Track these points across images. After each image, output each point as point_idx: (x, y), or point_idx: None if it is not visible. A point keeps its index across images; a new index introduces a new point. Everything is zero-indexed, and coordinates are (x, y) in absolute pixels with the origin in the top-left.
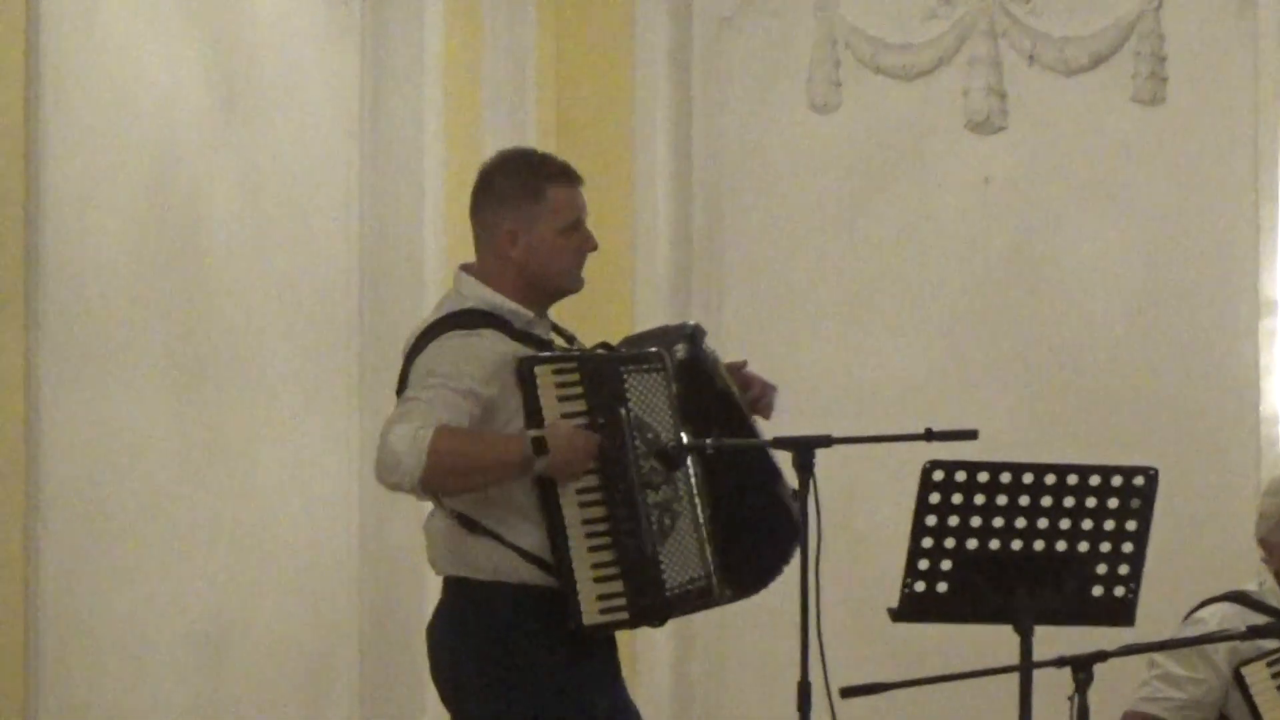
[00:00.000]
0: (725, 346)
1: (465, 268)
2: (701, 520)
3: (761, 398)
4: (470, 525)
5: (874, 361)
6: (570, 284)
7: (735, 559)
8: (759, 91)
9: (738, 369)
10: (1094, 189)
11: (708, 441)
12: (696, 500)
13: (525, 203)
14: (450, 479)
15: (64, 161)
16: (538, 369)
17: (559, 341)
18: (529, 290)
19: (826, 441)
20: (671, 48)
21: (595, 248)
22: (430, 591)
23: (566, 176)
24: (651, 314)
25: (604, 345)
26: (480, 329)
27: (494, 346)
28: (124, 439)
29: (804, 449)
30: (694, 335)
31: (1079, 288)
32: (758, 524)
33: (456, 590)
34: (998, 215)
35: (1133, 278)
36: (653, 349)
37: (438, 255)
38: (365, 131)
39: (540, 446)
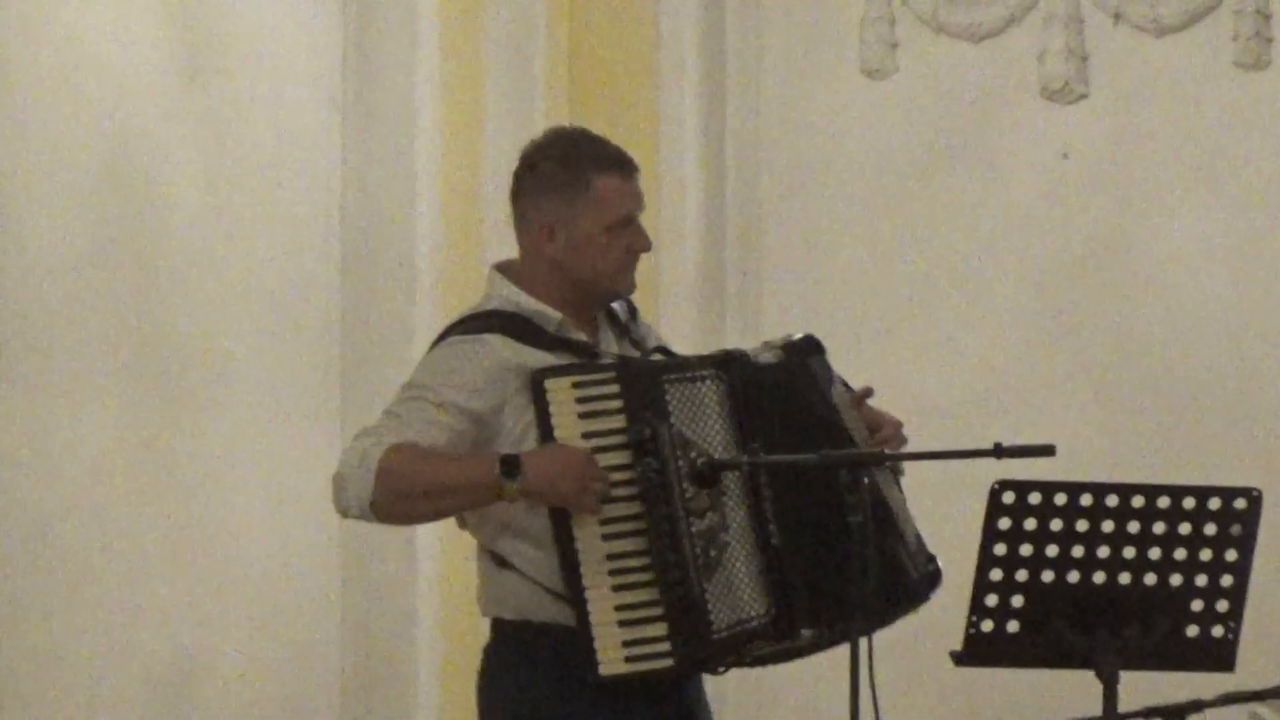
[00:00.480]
0: None
1: (499, 266)
2: (764, 550)
3: (891, 441)
4: (498, 560)
5: (935, 366)
6: (617, 288)
7: (812, 596)
8: (802, 55)
9: (859, 400)
10: (1189, 166)
11: (744, 458)
12: (756, 527)
13: (567, 193)
14: (403, 503)
15: None
16: (548, 383)
17: (611, 345)
18: (569, 292)
19: (880, 458)
20: (702, 5)
21: (648, 248)
22: (421, 628)
23: (619, 165)
24: (678, 315)
25: (662, 350)
26: (484, 333)
27: (495, 353)
28: (72, 457)
29: (854, 467)
30: (798, 346)
31: (1172, 280)
32: (834, 557)
33: (492, 632)
34: (1078, 197)
35: (1234, 268)
36: (708, 354)
37: (431, 245)
38: (349, 102)
39: (511, 467)
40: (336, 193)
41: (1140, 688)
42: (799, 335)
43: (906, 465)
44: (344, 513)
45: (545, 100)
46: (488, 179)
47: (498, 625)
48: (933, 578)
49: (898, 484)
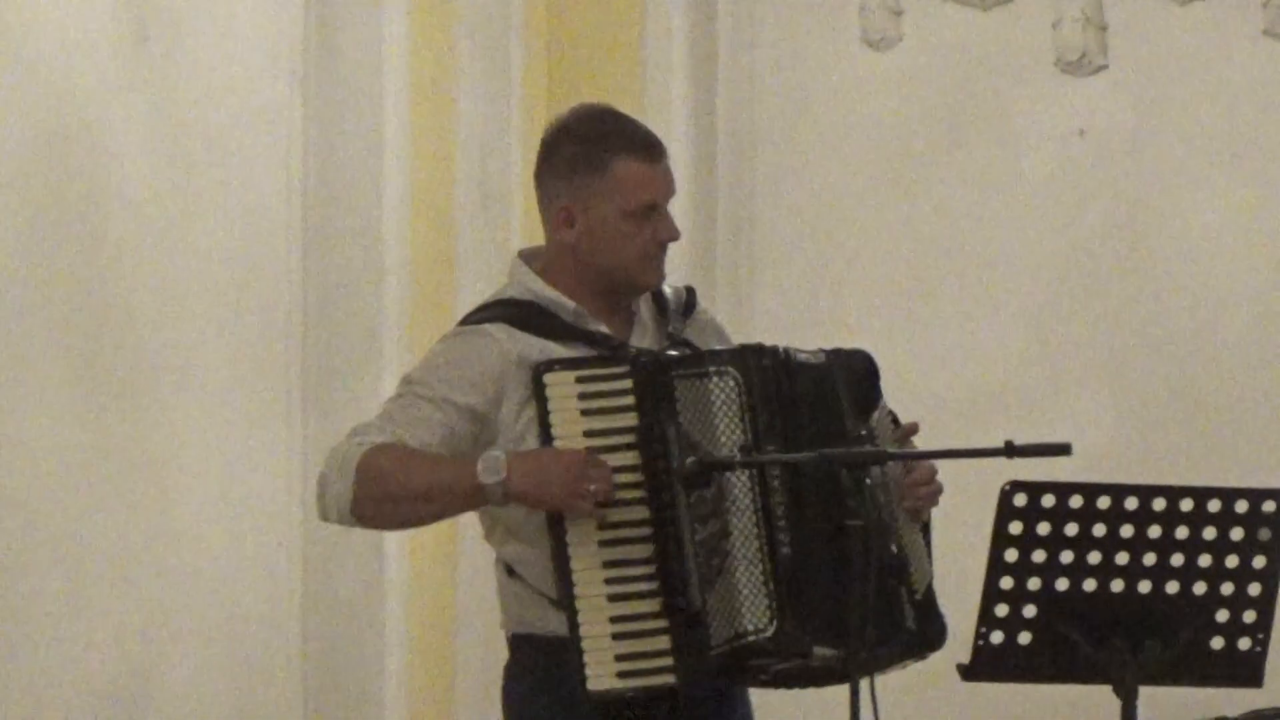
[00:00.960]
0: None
1: (523, 253)
2: (771, 559)
3: (925, 487)
4: (508, 569)
5: (942, 359)
6: (639, 279)
7: (828, 611)
8: (800, 23)
9: (904, 436)
10: (1216, 142)
11: (735, 457)
12: (763, 534)
13: (586, 176)
14: (383, 506)
15: None
16: (548, 377)
17: (644, 340)
18: (592, 281)
19: (882, 457)
20: None
21: (675, 237)
22: (387, 641)
23: (643, 148)
24: None
25: (684, 343)
26: (486, 323)
27: (495, 344)
28: (9, 456)
29: (855, 466)
30: (844, 355)
31: (1197, 265)
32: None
33: (509, 648)
34: (1095, 176)
35: (1264, 252)
36: (726, 348)
37: (399, 229)
38: (310, 73)
39: (492, 466)
40: (297, 172)
41: (1161, 704)
42: (852, 348)
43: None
44: (324, 517)
45: (521, 72)
46: (460, 156)
47: (512, 642)
48: (932, 637)
49: (924, 534)
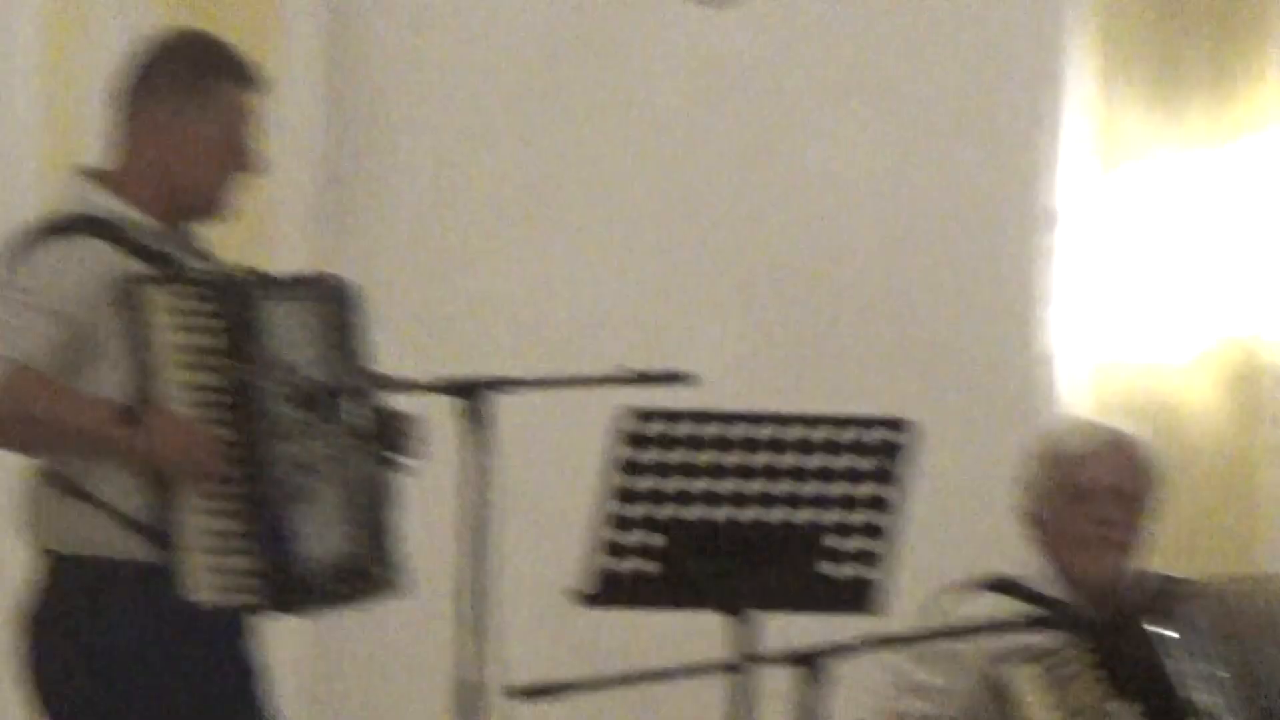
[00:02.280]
0: (381, 273)
1: (85, 171)
2: (363, 486)
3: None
4: (59, 483)
5: (561, 286)
6: (211, 205)
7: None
8: None
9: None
10: (841, 74)
11: (345, 380)
12: (360, 461)
13: (179, 96)
14: (17, 430)
15: None
16: (147, 291)
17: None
18: (164, 201)
19: (501, 384)
20: None
21: (261, 169)
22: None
23: (240, 76)
24: (289, 233)
25: (253, 271)
26: (80, 236)
27: (98, 259)
28: None
29: (475, 394)
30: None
31: (823, 198)
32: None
33: (45, 568)
34: (722, 104)
35: (887, 189)
36: (308, 274)
37: (30, 165)
38: None
39: (129, 417)
40: None
41: (787, 631)
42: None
43: (528, 393)
44: None
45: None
46: (95, 88)
47: (50, 559)
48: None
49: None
